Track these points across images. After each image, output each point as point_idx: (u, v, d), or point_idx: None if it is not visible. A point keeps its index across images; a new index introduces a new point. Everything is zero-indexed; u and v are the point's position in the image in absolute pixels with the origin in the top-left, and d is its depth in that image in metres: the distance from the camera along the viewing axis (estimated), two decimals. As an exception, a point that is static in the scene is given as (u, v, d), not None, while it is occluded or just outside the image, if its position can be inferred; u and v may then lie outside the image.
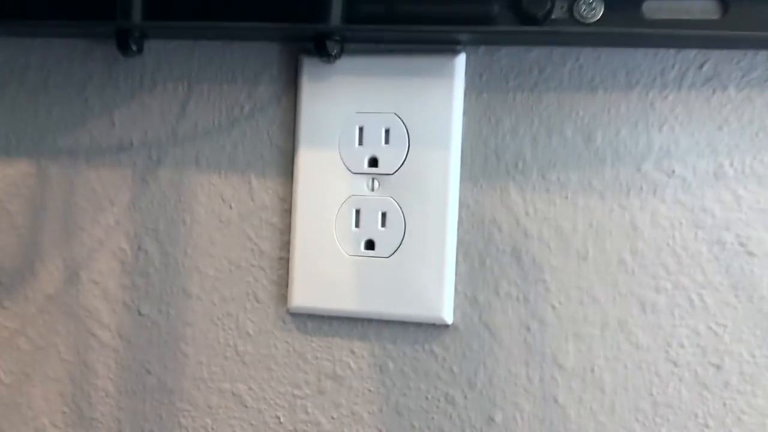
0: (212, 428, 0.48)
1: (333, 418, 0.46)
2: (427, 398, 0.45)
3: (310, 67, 0.46)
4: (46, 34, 0.51)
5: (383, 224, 0.45)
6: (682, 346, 0.42)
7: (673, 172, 0.42)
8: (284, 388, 0.47)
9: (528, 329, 0.44)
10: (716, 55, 0.42)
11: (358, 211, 0.45)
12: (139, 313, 0.49)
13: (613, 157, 0.43)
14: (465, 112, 0.45)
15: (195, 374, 0.48)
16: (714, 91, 0.42)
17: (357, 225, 0.45)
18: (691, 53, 0.42)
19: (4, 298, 0.51)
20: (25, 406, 0.51)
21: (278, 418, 0.47)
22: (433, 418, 0.45)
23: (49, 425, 0.50)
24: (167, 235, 0.49)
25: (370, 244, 0.45)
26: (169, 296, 0.48)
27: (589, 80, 0.43)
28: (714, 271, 0.42)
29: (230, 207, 0.48)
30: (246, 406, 0.47)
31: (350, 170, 0.46)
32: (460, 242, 0.45)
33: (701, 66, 0.42)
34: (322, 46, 0.43)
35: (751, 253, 0.41)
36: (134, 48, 0.45)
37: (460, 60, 0.44)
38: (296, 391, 0.47)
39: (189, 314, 0.48)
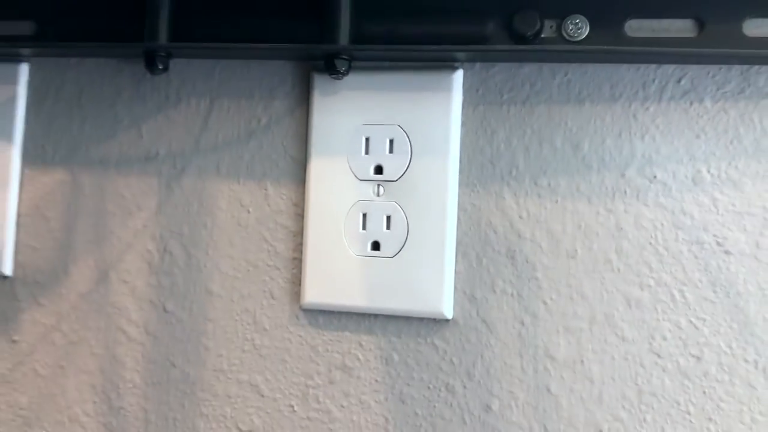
0: (231, 416, 0.51)
1: (343, 406, 0.50)
2: (429, 388, 0.48)
3: (321, 84, 0.50)
4: (80, 54, 0.55)
5: (388, 226, 0.48)
6: (664, 338, 0.45)
7: (655, 177, 0.45)
8: (298, 379, 0.50)
9: (522, 323, 0.47)
10: (693, 70, 0.45)
11: (364, 215, 0.49)
12: (165, 310, 0.53)
13: (599, 164, 0.46)
14: (463, 124, 0.48)
15: (215, 366, 0.52)
16: (691, 103, 0.45)
17: (364, 227, 0.49)
18: (670, 68, 0.45)
19: (40, 296, 0.55)
20: (59, 397, 0.54)
21: (292, 406, 0.50)
22: (434, 406, 0.48)
23: (82, 414, 0.54)
24: (190, 237, 0.52)
25: (376, 245, 0.49)
26: (192, 294, 0.52)
27: (576, 93, 0.47)
28: (694, 269, 0.45)
29: (248, 211, 0.51)
30: (262, 396, 0.51)
31: (357, 177, 0.49)
32: (459, 243, 0.48)
33: (679, 80, 0.45)
34: (332, 65, 0.47)
35: (727, 252, 0.44)
36: (160, 67, 0.49)
37: (458, 76, 0.48)
38: (309, 382, 0.50)
39: (210, 311, 0.52)
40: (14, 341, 0.55)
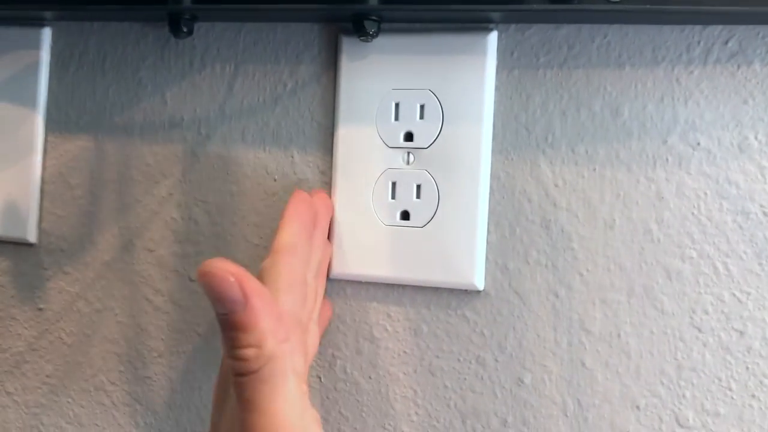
0: (257, 387, 0.51)
1: (370, 378, 0.49)
2: (459, 360, 0.47)
3: (349, 47, 0.48)
4: (103, 18, 0.54)
5: (418, 196, 0.47)
6: (706, 312, 0.43)
7: (699, 144, 0.43)
8: (324, 350, 0.49)
9: (556, 295, 0.46)
10: (741, 31, 0.43)
11: (394, 184, 0.47)
12: (190, 279, 0.52)
13: (639, 131, 0.44)
14: (497, 88, 0.46)
15: (241, 336, 0.51)
16: (739, 66, 0.43)
17: (393, 196, 0.47)
18: (717, 29, 0.43)
19: (65, 264, 0.55)
20: (85, 365, 0.54)
21: (319, 377, 0.50)
22: (465, 378, 0.47)
23: (107, 382, 0.54)
24: (216, 205, 0.51)
25: (405, 215, 0.47)
26: (217, 263, 0.51)
27: (616, 56, 0.45)
28: (738, 240, 0.43)
29: (274, 179, 0.50)
30: (289, 367, 0.50)
31: (387, 144, 0.48)
32: (492, 212, 0.47)
33: (726, 41, 0.43)
34: (360, 26, 0.45)
35: (774, 223, 0.42)
36: (185, 30, 0.48)
37: (492, 38, 0.46)
38: (336, 353, 0.49)
39: (236, 280, 0.51)
40: (40, 309, 0.55)
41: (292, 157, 0.50)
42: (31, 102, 0.55)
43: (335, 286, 0.49)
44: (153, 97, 0.53)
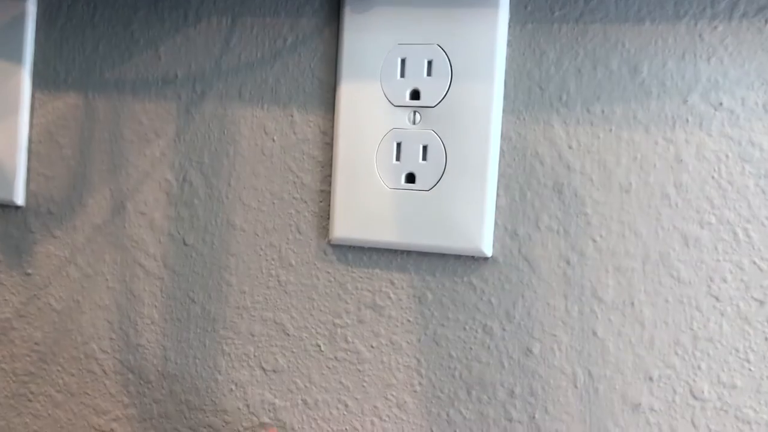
0: (254, 355, 0.49)
1: (372, 347, 0.47)
2: (465, 329, 0.45)
3: (353, -1, 0.46)
4: (92, -32, 0.51)
5: (424, 157, 0.45)
6: (724, 280, 0.41)
7: (721, 104, 0.41)
8: (325, 317, 0.48)
9: (568, 262, 0.44)
10: (770, -17, 0.40)
11: (399, 144, 0.45)
12: (184, 243, 0.50)
13: (659, 90, 0.42)
14: (509, 44, 0.44)
15: (238, 303, 0.49)
16: (766, 21, 0.40)
17: (398, 158, 0.45)
18: (744, -19, 0.41)
19: (54, 227, 0.52)
20: (75, 332, 0.52)
21: (319, 346, 0.48)
22: (471, 348, 0.45)
23: (98, 350, 0.52)
24: (211, 167, 0.49)
25: (410, 177, 0.45)
26: (213, 227, 0.49)
27: (636, 11, 0.42)
28: (760, 206, 0.41)
29: (273, 140, 0.48)
30: (287, 335, 0.48)
31: (392, 103, 0.45)
32: (502, 175, 0.44)
33: (754, -6, 0.41)
34: (366, -25, 0.43)
35: (799, 188, 0.40)
36: (179, -21, 0.46)
37: (505, -10, 0.44)
38: (337, 320, 0.47)
39: (233, 245, 0.49)
40: (28, 274, 0.53)
41: (292, 116, 0.48)
42: (16, 57, 0.52)
43: (336, 251, 0.47)
44: (145, 51, 0.50)
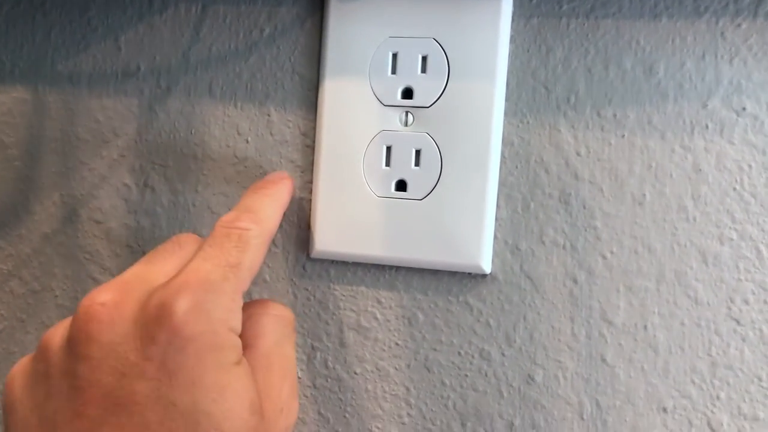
0: (223, 382, 0.44)
1: (356, 373, 0.43)
2: (459, 354, 0.41)
3: (339, -14, 0.42)
4: (44, -54, 0.46)
5: (417, 163, 0.41)
6: (746, 302, 0.38)
7: (744, 109, 0.38)
8: (303, 340, 0.43)
9: (575, 281, 0.40)
10: (799, -22, 0.37)
11: (389, 148, 0.41)
12: (145, 256, 0.46)
13: (676, 93, 0.39)
14: (512, 39, 0.40)
15: (205, 324, 0.45)
16: (795, 19, 0.38)
17: (387, 163, 0.42)
18: (771, -25, 0.38)
19: (-4, 237, 0.48)
20: (18, 355, 0.48)
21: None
22: (466, 375, 0.41)
23: (45, 376, 0.47)
24: (176, 171, 0.45)
25: (401, 185, 0.41)
26: (177, 238, 0.45)
27: (652, 6, 0.39)
28: (785, 221, 0.38)
29: (246, 141, 0.44)
30: (260, 359, 0.44)
31: (381, 102, 0.41)
32: (503, 184, 0.41)
33: (782, -10, 0.38)
34: (356, -41, 0.39)
35: (827, 202, 0.37)
36: (144, -41, 0.41)
37: (509, -21, 0.40)
38: (316, 344, 0.43)
39: (199, 258, 0.44)
40: (-35, 289, 0.48)
41: (269, 115, 0.44)
42: (-44, 44, 0.47)
43: (317, 266, 0.43)
44: (104, 41, 0.46)
